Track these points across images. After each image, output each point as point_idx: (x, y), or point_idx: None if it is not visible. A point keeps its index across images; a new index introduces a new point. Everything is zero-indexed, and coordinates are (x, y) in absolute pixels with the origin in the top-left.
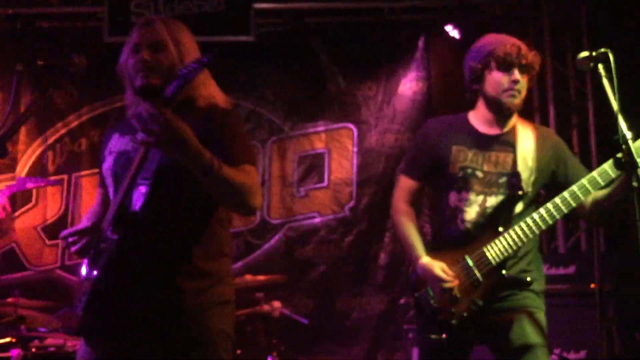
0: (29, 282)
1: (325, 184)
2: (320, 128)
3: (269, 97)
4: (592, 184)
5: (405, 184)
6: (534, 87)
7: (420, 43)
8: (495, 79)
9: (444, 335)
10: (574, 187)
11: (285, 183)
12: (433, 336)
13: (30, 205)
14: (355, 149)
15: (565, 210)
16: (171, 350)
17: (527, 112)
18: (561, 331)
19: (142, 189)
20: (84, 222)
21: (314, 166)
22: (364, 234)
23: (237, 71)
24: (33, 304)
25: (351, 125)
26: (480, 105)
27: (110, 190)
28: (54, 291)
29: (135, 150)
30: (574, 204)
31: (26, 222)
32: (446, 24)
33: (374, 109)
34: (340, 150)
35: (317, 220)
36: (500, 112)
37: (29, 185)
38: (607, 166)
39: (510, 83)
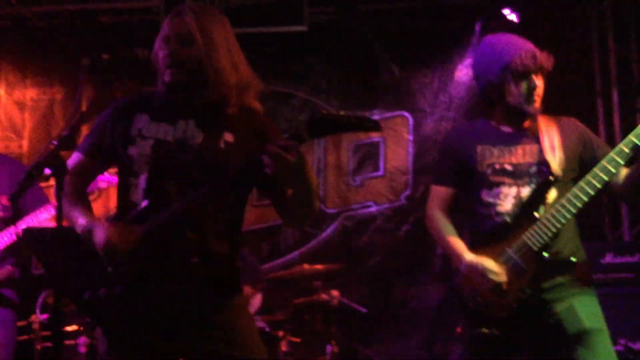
0: None
1: (381, 172)
2: (375, 116)
3: (323, 87)
4: (620, 154)
5: (437, 193)
6: (597, 71)
7: (477, 27)
8: (515, 90)
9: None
10: (603, 161)
11: (341, 172)
12: (484, 330)
13: (94, 196)
14: (410, 137)
15: (598, 185)
16: (214, 348)
17: (590, 97)
18: (626, 321)
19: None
20: (83, 212)
21: (369, 155)
22: (421, 223)
23: (290, 61)
24: None
25: (406, 114)
26: (500, 111)
27: (143, 177)
28: None
29: (176, 143)
30: (606, 178)
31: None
32: (503, 7)
33: (430, 97)
34: (395, 139)
35: (373, 209)
36: (523, 117)
37: (101, 184)
38: (633, 135)
39: (530, 90)
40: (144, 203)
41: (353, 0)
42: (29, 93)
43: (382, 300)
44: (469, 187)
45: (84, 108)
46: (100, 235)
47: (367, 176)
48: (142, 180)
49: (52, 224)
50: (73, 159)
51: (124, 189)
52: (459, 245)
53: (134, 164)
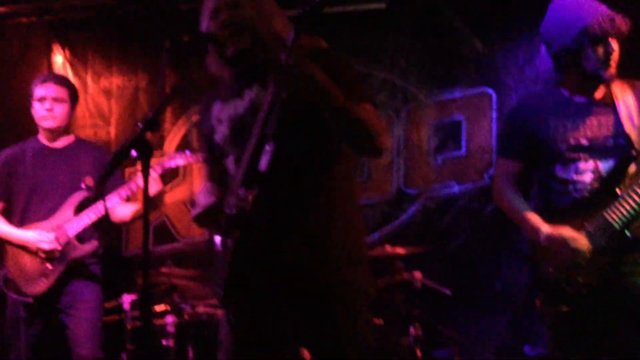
0: (179, 253)
1: (463, 152)
2: (457, 94)
3: (402, 65)
4: None
5: (505, 167)
6: None
7: None
8: (592, 55)
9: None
10: None
11: (422, 152)
12: (564, 308)
13: (178, 180)
14: (494, 115)
15: None
16: (312, 308)
17: None
18: None
19: (266, 147)
20: (203, 199)
21: (451, 134)
22: None
23: (368, 39)
24: (184, 273)
25: (490, 90)
26: (573, 76)
27: (231, 158)
28: (204, 261)
29: (248, 111)
30: None
31: (175, 196)
32: None
33: (515, 71)
34: (478, 117)
35: (456, 189)
36: (597, 82)
37: (180, 161)
38: None
39: (607, 55)
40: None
41: None
42: (115, 81)
43: (466, 282)
44: (540, 162)
45: (167, 90)
46: (201, 199)
47: (449, 155)
48: (231, 160)
49: (131, 203)
50: (204, 171)
51: (219, 177)
52: (534, 218)
53: (222, 149)
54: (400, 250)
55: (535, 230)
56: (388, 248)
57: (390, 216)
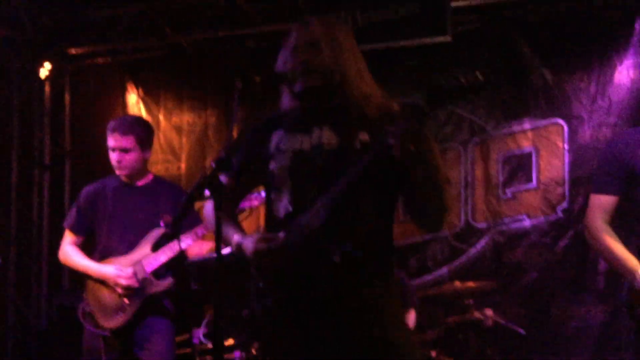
0: None
1: (533, 184)
2: (526, 126)
3: (468, 97)
4: None
5: (599, 203)
6: None
7: (637, 26)
8: None
9: None
10: None
11: (490, 185)
12: None
13: (245, 214)
14: (566, 146)
15: None
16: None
17: None
18: None
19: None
20: (234, 229)
21: (520, 166)
22: (580, 237)
23: (434, 72)
24: None
25: (561, 121)
26: None
27: (286, 191)
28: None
29: (314, 150)
30: None
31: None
32: None
33: (587, 102)
34: (549, 148)
35: (527, 223)
36: None
37: (254, 203)
38: None
39: None
40: (288, 210)
41: (498, 5)
42: (186, 117)
43: (539, 320)
44: (635, 196)
45: (236, 130)
46: (248, 245)
47: (519, 188)
48: (285, 192)
49: (206, 241)
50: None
51: (270, 205)
52: (630, 259)
53: (275, 178)
54: (470, 286)
55: (632, 273)
56: (458, 284)
57: (459, 251)
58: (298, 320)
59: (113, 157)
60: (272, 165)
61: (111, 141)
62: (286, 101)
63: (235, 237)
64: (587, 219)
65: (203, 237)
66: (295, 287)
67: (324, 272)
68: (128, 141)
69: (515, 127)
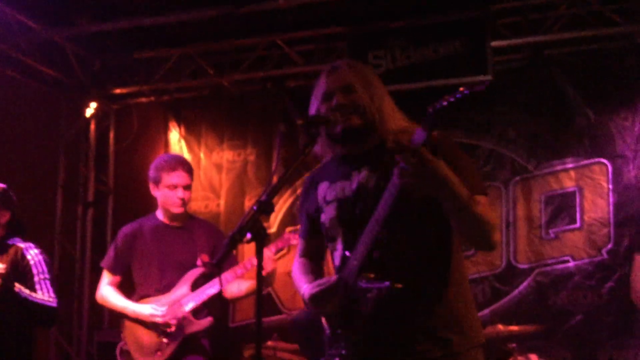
0: (284, 326)
1: (577, 225)
2: (569, 165)
3: (510, 136)
4: None
5: None
6: None
7: None
8: None
9: None
10: None
11: (532, 225)
12: None
13: (283, 252)
14: (610, 186)
15: None
16: None
17: None
18: None
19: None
20: (310, 280)
21: (564, 206)
22: (626, 280)
23: (475, 112)
24: (289, 347)
25: (605, 160)
26: None
27: (339, 240)
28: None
29: (355, 194)
30: None
31: (280, 268)
32: None
33: (631, 141)
34: (593, 188)
35: (571, 264)
36: None
37: (293, 242)
38: None
39: None
40: (346, 254)
41: (539, 45)
42: (226, 155)
43: None
44: None
45: (276, 170)
46: (305, 292)
47: (563, 229)
48: (339, 242)
49: (245, 280)
50: (299, 244)
51: (331, 255)
52: None
53: (328, 230)
54: (513, 330)
55: None
56: (500, 327)
57: (501, 292)
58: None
59: (176, 194)
60: (323, 218)
61: (174, 178)
62: (321, 147)
63: (303, 287)
64: (632, 280)
65: (242, 276)
66: (359, 324)
67: (387, 315)
68: (189, 178)
69: (558, 167)
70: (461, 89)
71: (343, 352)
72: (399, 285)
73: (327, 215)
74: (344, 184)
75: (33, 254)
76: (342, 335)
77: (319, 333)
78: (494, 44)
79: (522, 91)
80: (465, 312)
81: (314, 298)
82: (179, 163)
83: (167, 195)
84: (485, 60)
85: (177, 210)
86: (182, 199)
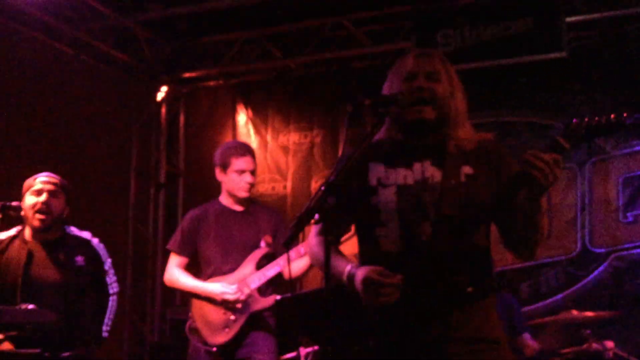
0: None
1: None
2: None
3: (585, 115)
4: None
5: None
6: None
7: None
8: None
9: None
10: None
11: (609, 208)
12: None
13: (349, 234)
14: None
15: None
16: None
17: None
18: None
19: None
20: (346, 263)
21: None
22: None
23: (549, 91)
24: None
25: None
26: None
27: (392, 225)
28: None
29: (418, 185)
30: None
31: (346, 250)
32: None
33: None
34: None
35: None
36: None
37: None
38: None
39: None
40: (398, 245)
41: (617, 19)
42: (292, 137)
43: None
44: None
45: (344, 151)
46: (360, 274)
47: None
48: (393, 228)
49: (303, 261)
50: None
51: (372, 240)
52: None
53: (380, 213)
54: (588, 316)
55: None
56: (575, 313)
57: (575, 277)
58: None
59: (243, 179)
60: (376, 200)
61: (242, 164)
62: (386, 129)
63: (348, 267)
64: None
65: (305, 254)
66: (408, 326)
67: (440, 313)
68: (255, 164)
69: (637, 147)
70: (625, 114)
71: (380, 341)
72: (470, 290)
73: (382, 198)
74: (405, 171)
75: (96, 243)
76: (383, 325)
77: (345, 316)
78: (568, 19)
79: (597, 69)
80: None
81: (368, 284)
82: (247, 149)
83: (234, 180)
84: (560, 37)
85: (243, 194)
86: (250, 184)
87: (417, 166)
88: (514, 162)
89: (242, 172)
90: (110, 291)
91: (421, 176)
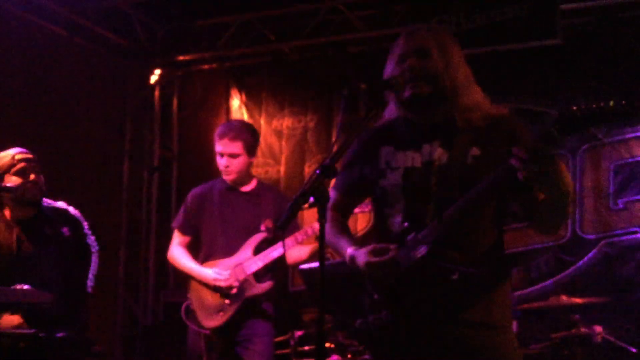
0: None
1: None
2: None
3: (579, 102)
4: None
5: None
6: None
7: None
8: None
9: None
10: None
11: (600, 195)
12: None
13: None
14: None
15: None
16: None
17: None
18: None
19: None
20: (351, 241)
21: (633, 175)
22: None
23: (543, 77)
24: None
25: None
26: None
27: (399, 208)
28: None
29: (426, 167)
30: None
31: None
32: None
33: None
34: None
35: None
36: None
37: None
38: None
39: None
40: (404, 225)
41: (611, 7)
42: (286, 122)
43: None
44: None
45: (339, 135)
46: (360, 257)
47: (632, 199)
48: (399, 209)
49: (305, 246)
50: (331, 197)
51: (381, 220)
52: None
53: (387, 195)
54: (577, 301)
55: None
56: (564, 298)
57: (566, 263)
58: (411, 336)
59: (221, 162)
60: (384, 182)
61: (219, 147)
62: (391, 110)
63: (349, 250)
64: None
65: (302, 242)
66: (409, 302)
67: (440, 290)
68: (236, 147)
69: (629, 134)
70: (611, 103)
71: (383, 317)
72: (472, 271)
73: (390, 181)
74: (413, 153)
75: (73, 210)
76: (385, 302)
77: (355, 292)
78: (563, 6)
79: (593, 56)
80: (507, 294)
81: (371, 266)
82: (227, 131)
83: (218, 161)
84: (554, 23)
85: (226, 177)
86: (226, 167)
87: (425, 148)
88: (529, 139)
89: (220, 154)
90: (93, 250)
91: (428, 158)
